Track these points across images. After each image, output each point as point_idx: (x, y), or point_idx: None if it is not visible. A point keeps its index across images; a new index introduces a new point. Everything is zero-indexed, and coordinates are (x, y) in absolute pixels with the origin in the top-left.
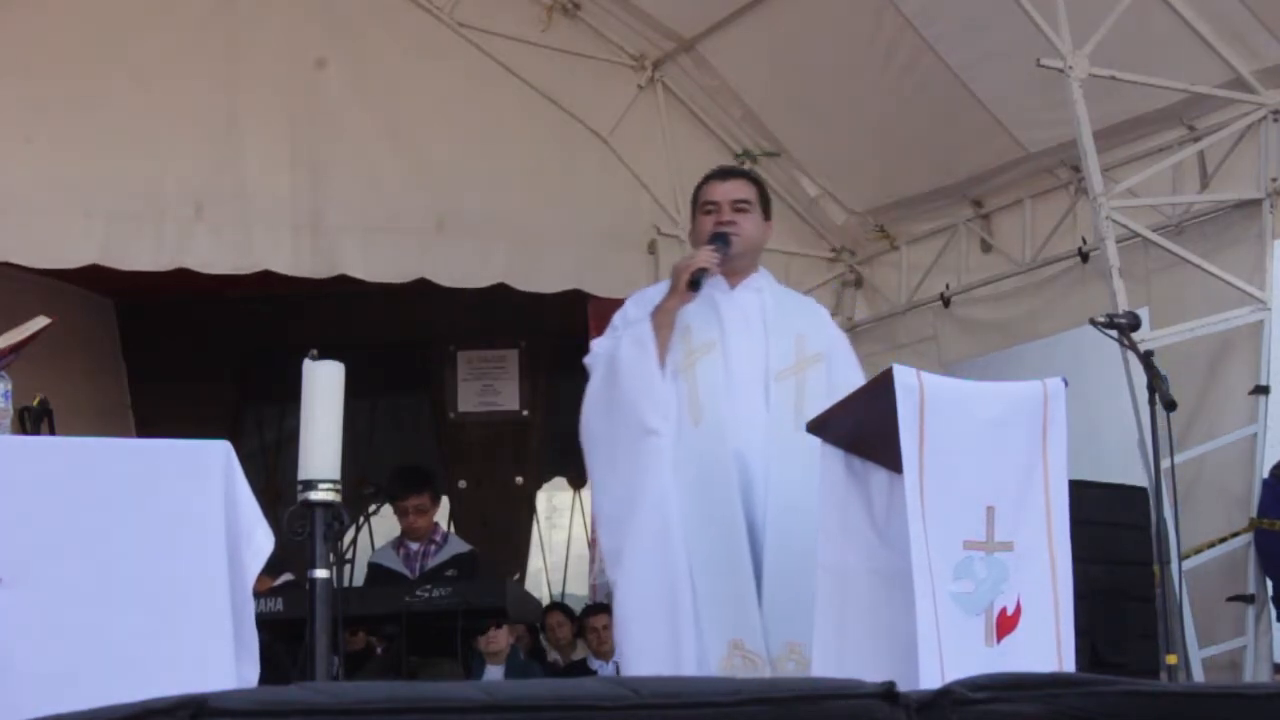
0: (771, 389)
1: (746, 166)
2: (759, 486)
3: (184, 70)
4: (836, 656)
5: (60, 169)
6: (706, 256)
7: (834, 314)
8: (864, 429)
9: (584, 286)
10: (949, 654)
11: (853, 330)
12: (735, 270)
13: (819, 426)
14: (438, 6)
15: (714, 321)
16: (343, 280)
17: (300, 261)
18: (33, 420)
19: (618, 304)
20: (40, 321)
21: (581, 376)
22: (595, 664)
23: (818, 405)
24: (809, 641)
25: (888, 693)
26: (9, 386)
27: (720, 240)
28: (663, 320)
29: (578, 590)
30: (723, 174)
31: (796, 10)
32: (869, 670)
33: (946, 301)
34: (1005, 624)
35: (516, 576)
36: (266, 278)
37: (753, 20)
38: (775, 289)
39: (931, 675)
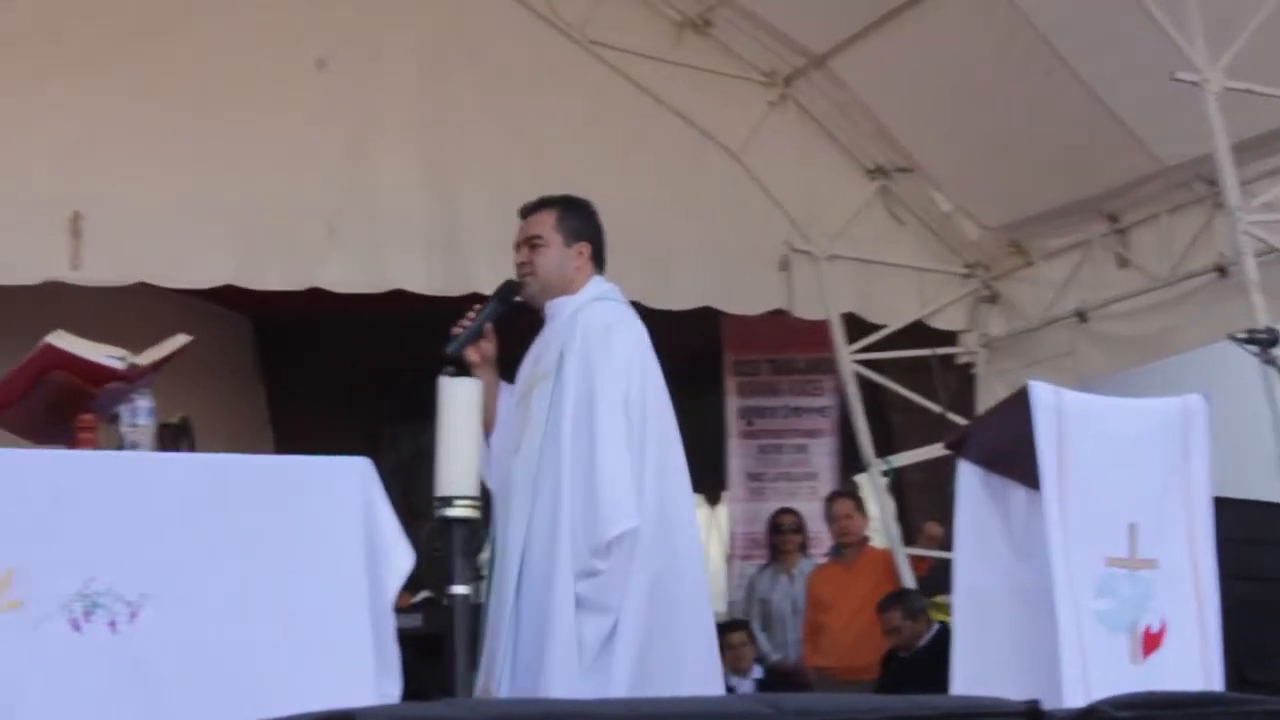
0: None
1: (878, 183)
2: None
3: (317, 89)
4: (975, 675)
5: (195, 191)
6: (463, 324)
7: (968, 330)
8: (1001, 446)
9: (715, 304)
10: (1093, 672)
11: (988, 346)
12: (542, 305)
13: (956, 444)
14: (568, 24)
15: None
16: (480, 297)
17: (433, 280)
18: (173, 438)
19: (752, 321)
20: (180, 340)
21: (716, 393)
22: (733, 680)
23: (537, 431)
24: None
25: (1032, 711)
26: (151, 404)
27: (499, 296)
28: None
29: (713, 606)
30: (522, 212)
31: (928, 24)
32: (1009, 689)
33: (1083, 317)
34: (1150, 642)
35: None
36: (404, 295)
37: (884, 35)
38: (587, 306)
39: (1076, 694)
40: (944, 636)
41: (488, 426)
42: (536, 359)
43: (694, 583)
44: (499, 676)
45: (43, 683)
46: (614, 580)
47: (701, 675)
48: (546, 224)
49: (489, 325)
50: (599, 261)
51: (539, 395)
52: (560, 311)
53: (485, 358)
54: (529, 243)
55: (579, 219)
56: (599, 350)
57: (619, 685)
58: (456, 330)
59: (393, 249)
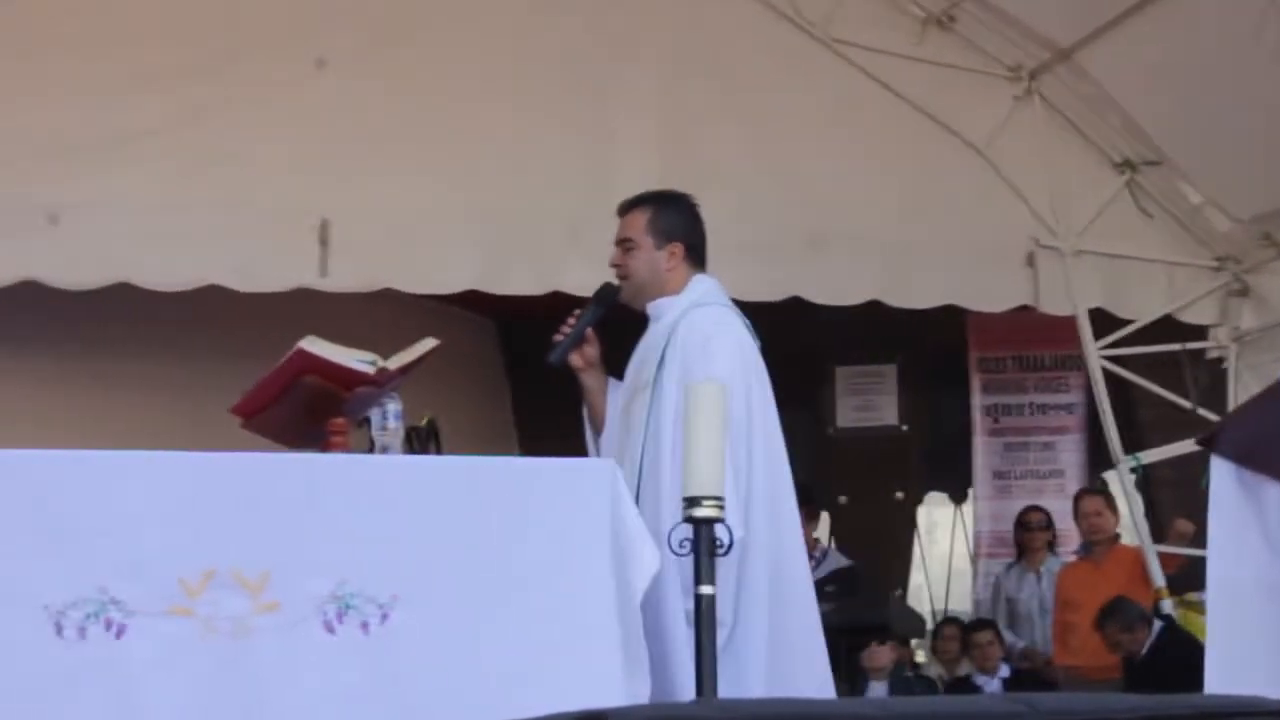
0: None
1: (1125, 176)
2: None
3: (556, 89)
4: (1229, 672)
5: (440, 196)
6: (564, 330)
7: (1218, 324)
8: (1255, 441)
9: (959, 301)
10: None
11: (1239, 340)
12: (643, 307)
13: (1209, 439)
14: (811, 23)
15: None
16: None
17: None
18: (421, 440)
19: (996, 318)
20: (428, 343)
21: (961, 391)
22: (979, 679)
23: (637, 444)
24: None
25: None
26: (400, 407)
27: (598, 299)
28: (584, 389)
29: (958, 606)
30: (618, 210)
31: (1176, 15)
32: (1264, 686)
33: None
34: None
35: (898, 592)
36: None
37: (1130, 27)
38: (686, 314)
39: None
40: (1167, 635)
41: (598, 426)
42: (639, 366)
43: (800, 584)
44: None
45: (298, 683)
46: (721, 594)
47: (818, 672)
48: (638, 226)
49: (590, 330)
50: (697, 259)
51: (639, 406)
52: (663, 314)
53: (589, 361)
54: (622, 246)
55: (672, 219)
56: (698, 361)
57: (754, 691)
58: (558, 338)
59: None
